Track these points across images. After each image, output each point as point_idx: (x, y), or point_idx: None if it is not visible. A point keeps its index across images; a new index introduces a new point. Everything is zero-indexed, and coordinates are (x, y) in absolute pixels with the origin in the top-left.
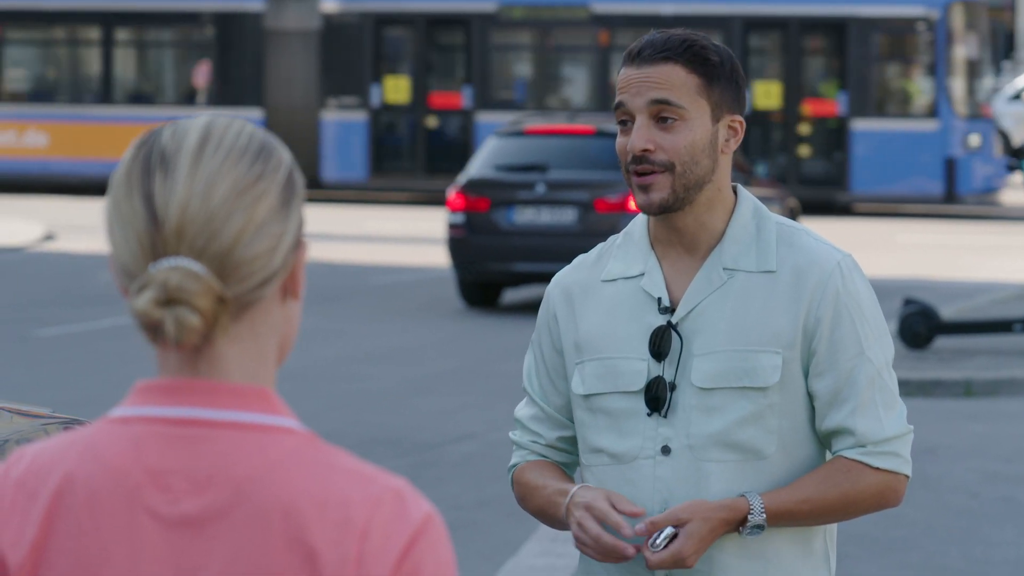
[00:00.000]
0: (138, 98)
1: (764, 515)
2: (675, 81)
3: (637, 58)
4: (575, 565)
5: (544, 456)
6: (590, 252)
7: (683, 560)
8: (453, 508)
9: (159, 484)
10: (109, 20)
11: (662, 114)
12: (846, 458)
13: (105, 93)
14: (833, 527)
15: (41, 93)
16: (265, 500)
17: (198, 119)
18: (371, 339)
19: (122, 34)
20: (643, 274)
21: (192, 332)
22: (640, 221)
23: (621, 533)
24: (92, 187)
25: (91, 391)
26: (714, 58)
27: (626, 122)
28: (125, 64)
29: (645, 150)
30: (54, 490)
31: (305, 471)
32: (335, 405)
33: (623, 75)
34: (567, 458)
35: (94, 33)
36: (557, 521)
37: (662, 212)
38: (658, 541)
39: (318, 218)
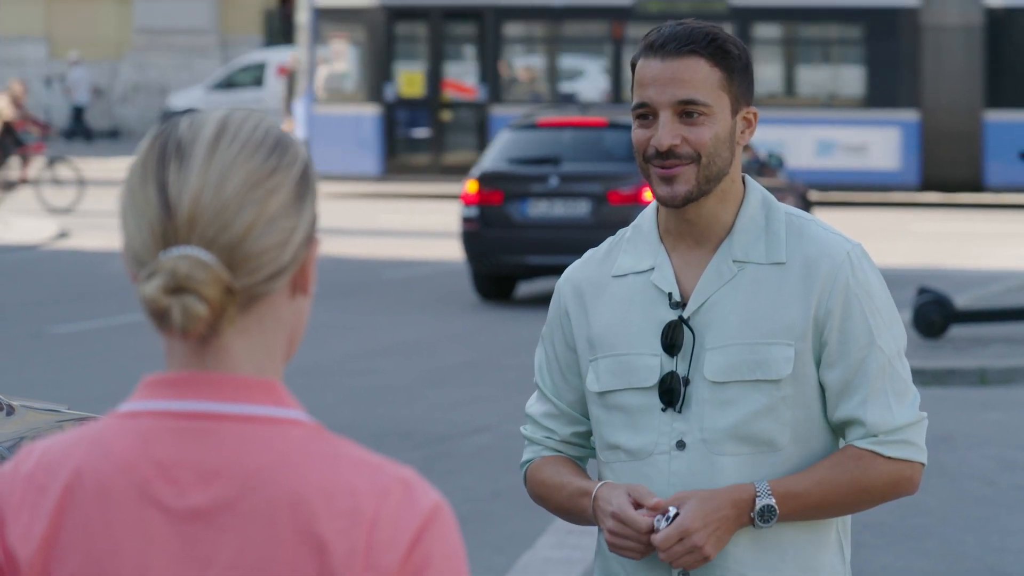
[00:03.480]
0: None
1: (772, 496)
2: (700, 77)
3: (661, 51)
4: (591, 558)
5: (558, 452)
6: (599, 246)
7: (690, 534)
8: (467, 500)
9: (167, 477)
10: None
11: (687, 110)
12: (857, 447)
13: None
14: (847, 517)
15: None
16: (273, 492)
17: (216, 112)
18: (385, 333)
19: None
20: (653, 268)
21: (198, 321)
22: (649, 214)
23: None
24: None
25: (106, 388)
26: (734, 51)
27: (647, 116)
28: None
29: (673, 145)
30: (63, 485)
31: (312, 462)
32: (349, 399)
33: (645, 68)
34: (581, 452)
35: None
36: (583, 520)
37: (685, 204)
38: (662, 524)
39: (331, 212)
